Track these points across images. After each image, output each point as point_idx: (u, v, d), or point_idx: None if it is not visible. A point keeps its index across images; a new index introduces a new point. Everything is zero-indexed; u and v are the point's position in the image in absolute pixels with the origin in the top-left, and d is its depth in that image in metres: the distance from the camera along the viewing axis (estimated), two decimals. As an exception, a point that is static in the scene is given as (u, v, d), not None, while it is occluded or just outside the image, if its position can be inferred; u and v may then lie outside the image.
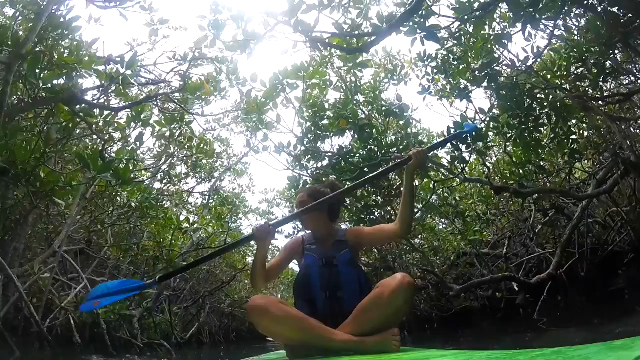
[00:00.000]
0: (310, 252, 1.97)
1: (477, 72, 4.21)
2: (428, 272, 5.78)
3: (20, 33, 4.02)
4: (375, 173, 2.24)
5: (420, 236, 8.15)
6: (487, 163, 5.02)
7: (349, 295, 1.82)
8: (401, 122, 5.02)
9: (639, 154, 4.92)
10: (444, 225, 8.15)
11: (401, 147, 5.37)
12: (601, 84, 4.80)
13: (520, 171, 4.92)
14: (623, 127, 5.24)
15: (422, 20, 3.42)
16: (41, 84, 3.24)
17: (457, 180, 5.08)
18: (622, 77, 4.99)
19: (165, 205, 6.53)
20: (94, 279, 4.74)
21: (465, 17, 3.60)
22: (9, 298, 2.82)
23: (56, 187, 3.63)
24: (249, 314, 1.68)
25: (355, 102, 5.46)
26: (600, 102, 4.87)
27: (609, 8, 3.59)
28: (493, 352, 1.10)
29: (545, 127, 4.91)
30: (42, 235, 4.77)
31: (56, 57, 3.17)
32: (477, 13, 3.45)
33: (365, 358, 1.45)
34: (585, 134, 5.35)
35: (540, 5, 3.53)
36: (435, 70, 5.01)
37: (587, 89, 4.90)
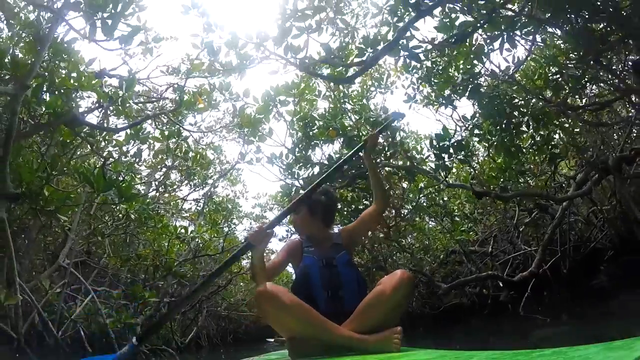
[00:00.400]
0: (309, 253, 2.01)
1: (458, 87, 4.48)
2: (416, 271, 6.06)
3: (19, 54, 4.20)
4: (339, 162, 2.29)
5: (410, 236, 8.46)
6: (472, 166, 5.31)
7: (349, 294, 1.87)
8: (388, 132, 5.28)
9: (615, 157, 5.23)
10: (434, 224, 8.45)
11: (388, 153, 5.65)
12: (580, 91, 5.12)
13: (502, 176, 5.23)
14: (603, 130, 5.57)
15: (405, 41, 3.67)
16: (44, 109, 3.44)
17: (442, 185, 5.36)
18: (601, 84, 5.29)
19: (161, 213, 6.72)
20: (95, 288, 4.94)
21: (446, 42, 3.85)
22: (26, 314, 3.02)
23: (60, 205, 3.85)
24: (258, 300, 1.67)
25: (343, 111, 5.71)
26: (579, 110, 5.15)
27: (586, 23, 3.83)
28: (493, 352, 1.11)
29: (525, 134, 5.18)
30: (41, 247, 4.95)
31: (57, 80, 3.36)
32: (455, 39, 3.69)
33: (366, 358, 1.47)
34: (565, 138, 5.65)
35: (518, 25, 3.81)
36: (420, 80, 5.28)
37: (566, 96, 5.18)
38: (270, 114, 4.61)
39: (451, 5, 3.65)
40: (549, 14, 3.64)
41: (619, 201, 5.60)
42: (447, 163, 4.71)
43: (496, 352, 1.11)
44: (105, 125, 3.93)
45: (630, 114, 5.33)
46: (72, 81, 3.28)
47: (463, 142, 4.66)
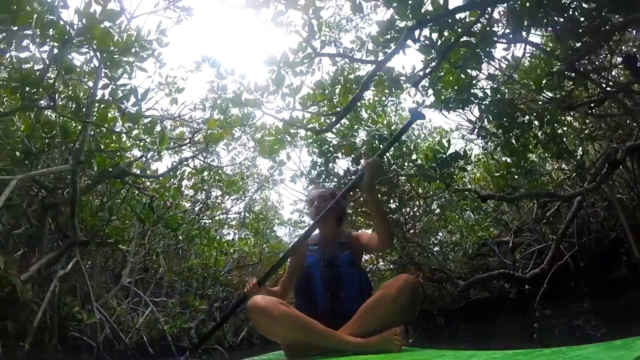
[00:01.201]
0: (313, 252, 2.05)
1: (450, 103, 4.88)
2: (436, 270, 6.54)
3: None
4: (336, 198, 2.18)
5: (441, 231, 8.87)
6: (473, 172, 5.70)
7: (350, 295, 1.89)
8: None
9: (625, 148, 5.36)
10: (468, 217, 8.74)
11: (399, 161, 6.14)
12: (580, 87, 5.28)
13: (509, 176, 5.53)
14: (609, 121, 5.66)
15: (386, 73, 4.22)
16: (95, 169, 4.43)
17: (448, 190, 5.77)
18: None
19: (207, 227, 7.74)
20: (154, 299, 6.03)
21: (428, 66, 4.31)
22: (100, 326, 4.03)
23: (119, 239, 4.91)
24: (250, 314, 1.73)
25: (359, 122, 6.25)
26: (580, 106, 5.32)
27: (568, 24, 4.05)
28: (493, 352, 1.12)
29: (529, 132, 5.42)
30: (106, 270, 6.07)
31: (102, 146, 4.31)
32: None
33: (366, 358, 1.49)
34: (572, 133, 5.81)
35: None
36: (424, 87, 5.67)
37: (566, 93, 5.33)
38: (284, 144, 5.33)
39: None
40: (526, 23, 3.92)
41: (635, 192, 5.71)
42: (448, 172, 5.14)
43: (496, 352, 1.11)
44: (148, 172, 4.89)
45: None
46: (115, 144, 4.22)
47: (461, 152, 5.08)
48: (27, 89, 3.03)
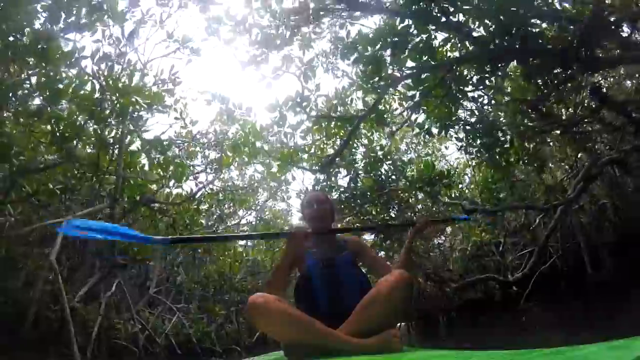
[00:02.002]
0: (312, 254, 2.09)
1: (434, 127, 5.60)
2: (430, 273, 7.29)
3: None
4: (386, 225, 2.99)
5: (440, 236, 9.58)
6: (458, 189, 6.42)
7: (350, 294, 1.91)
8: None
9: (602, 161, 6.00)
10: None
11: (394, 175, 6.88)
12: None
13: (494, 190, 6.25)
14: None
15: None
16: (126, 199, 5.31)
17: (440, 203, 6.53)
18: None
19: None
20: (176, 306, 6.94)
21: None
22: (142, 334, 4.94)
23: (147, 255, 5.81)
24: (248, 312, 1.77)
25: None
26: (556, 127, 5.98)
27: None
28: (493, 352, 1.14)
29: (511, 150, 6.10)
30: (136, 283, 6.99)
31: (132, 182, 5.19)
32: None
33: (366, 358, 1.52)
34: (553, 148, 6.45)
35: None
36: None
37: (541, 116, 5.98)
38: (289, 168, 6.12)
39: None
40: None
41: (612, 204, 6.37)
42: (434, 190, 5.89)
43: (496, 352, 1.13)
44: (170, 199, 5.76)
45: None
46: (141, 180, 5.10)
47: (444, 172, 5.81)
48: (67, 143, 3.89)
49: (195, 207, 6.24)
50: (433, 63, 3.98)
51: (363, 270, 2.18)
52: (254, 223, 9.95)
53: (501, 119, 6.18)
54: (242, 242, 10.34)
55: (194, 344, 5.93)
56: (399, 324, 2.37)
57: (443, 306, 8.00)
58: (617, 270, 6.47)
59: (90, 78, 4.15)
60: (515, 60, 4.27)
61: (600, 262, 6.75)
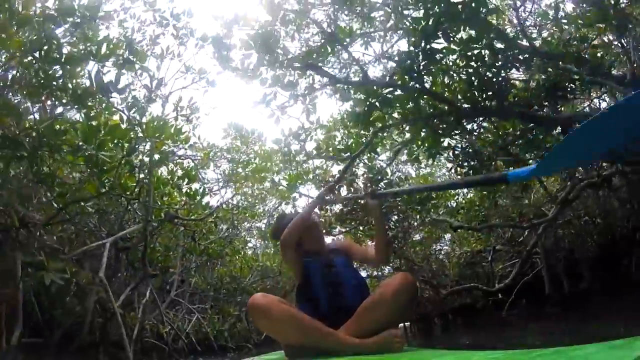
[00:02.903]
0: (310, 261, 2.17)
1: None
2: (425, 279, 8.19)
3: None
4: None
5: (439, 242, 10.46)
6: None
7: (350, 292, 2.02)
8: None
9: (581, 185, 6.78)
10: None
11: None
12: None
13: (480, 208, 7.09)
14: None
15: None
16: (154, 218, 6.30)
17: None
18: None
19: (234, 243, 9.62)
20: (193, 306, 7.97)
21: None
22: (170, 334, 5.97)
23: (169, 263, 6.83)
24: (250, 313, 1.82)
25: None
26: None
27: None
28: (493, 352, 1.18)
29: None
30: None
31: (159, 203, 6.16)
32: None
33: (366, 358, 1.56)
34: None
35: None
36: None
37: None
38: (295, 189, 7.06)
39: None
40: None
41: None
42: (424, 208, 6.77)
43: (496, 352, 1.17)
44: (191, 215, 6.74)
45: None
46: (167, 200, 6.08)
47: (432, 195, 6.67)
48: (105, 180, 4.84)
49: (213, 221, 7.22)
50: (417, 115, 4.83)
51: (358, 272, 2.31)
52: (263, 228, 10.95)
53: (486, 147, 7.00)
54: (250, 245, 11.41)
55: (211, 340, 6.94)
56: (400, 325, 2.33)
57: (439, 309, 8.90)
58: (595, 281, 7.29)
59: (125, 118, 5.11)
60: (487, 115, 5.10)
61: (579, 274, 7.58)
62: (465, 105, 4.50)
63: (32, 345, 3.71)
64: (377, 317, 1.77)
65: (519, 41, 4.70)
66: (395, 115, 4.97)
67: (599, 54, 4.88)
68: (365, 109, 4.43)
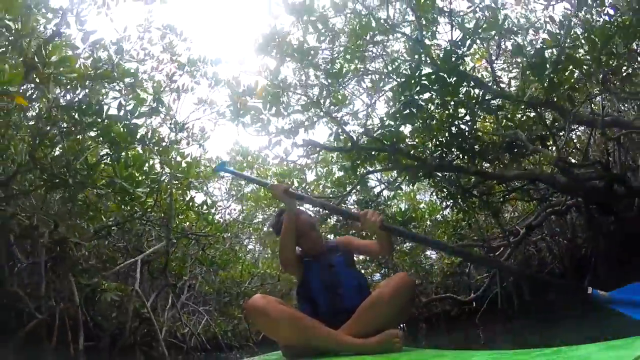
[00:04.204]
0: (310, 261, 2.29)
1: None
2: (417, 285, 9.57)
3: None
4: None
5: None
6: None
7: (349, 292, 2.11)
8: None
9: (542, 215, 8.10)
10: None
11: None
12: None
13: (457, 229, 8.42)
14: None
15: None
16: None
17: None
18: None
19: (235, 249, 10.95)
20: (200, 308, 9.32)
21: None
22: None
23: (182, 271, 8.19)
24: (249, 314, 1.93)
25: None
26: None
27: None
28: (493, 352, 1.24)
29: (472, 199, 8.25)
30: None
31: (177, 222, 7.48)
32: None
33: (366, 358, 1.64)
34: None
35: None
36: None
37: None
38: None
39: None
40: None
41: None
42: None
43: (496, 352, 1.23)
44: (203, 230, 8.06)
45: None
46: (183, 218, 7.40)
47: (412, 216, 7.99)
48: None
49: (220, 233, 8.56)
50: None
51: (359, 270, 2.37)
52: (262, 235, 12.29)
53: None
54: (250, 248, 12.76)
55: (218, 339, 8.32)
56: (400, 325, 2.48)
57: (425, 314, 10.30)
58: (558, 296, 8.64)
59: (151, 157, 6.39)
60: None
61: (544, 289, 8.93)
62: (436, 157, 5.77)
63: (89, 348, 5.01)
64: (377, 317, 1.84)
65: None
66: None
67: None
68: (353, 163, 5.71)
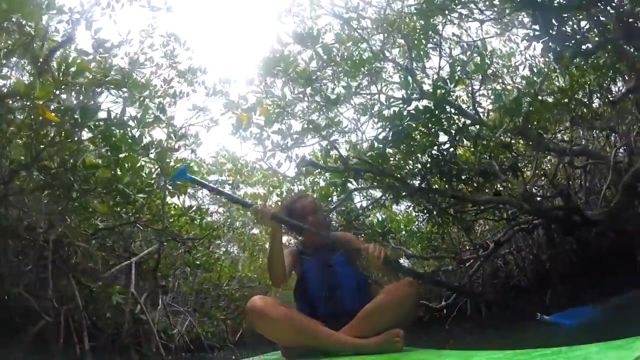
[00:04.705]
0: (308, 259, 2.33)
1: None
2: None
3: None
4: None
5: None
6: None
7: (348, 293, 2.16)
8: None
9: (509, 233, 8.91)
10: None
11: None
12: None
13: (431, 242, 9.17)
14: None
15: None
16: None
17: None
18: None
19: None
20: (182, 309, 9.68)
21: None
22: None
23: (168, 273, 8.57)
24: (248, 315, 1.95)
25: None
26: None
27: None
28: (493, 352, 1.28)
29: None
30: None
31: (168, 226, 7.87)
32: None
33: (366, 358, 1.69)
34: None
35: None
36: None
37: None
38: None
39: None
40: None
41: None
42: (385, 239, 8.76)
43: (496, 352, 1.26)
44: (190, 233, 8.45)
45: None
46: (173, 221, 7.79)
47: (391, 229, 8.66)
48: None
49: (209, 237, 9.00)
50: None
51: (360, 268, 2.33)
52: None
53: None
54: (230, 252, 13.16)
55: (200, 340, 8.73)
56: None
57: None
58: (520, 306, 9.50)
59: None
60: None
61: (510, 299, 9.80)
62: (417, 179, 6.44)
63: (92, 349, 5.36)
64: (380, 321, 1.87)
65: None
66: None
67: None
68: (341, 180, 6.30)
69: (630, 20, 3.61)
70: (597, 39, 4.05)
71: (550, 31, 3.54)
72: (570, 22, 3.87)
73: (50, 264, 5.21)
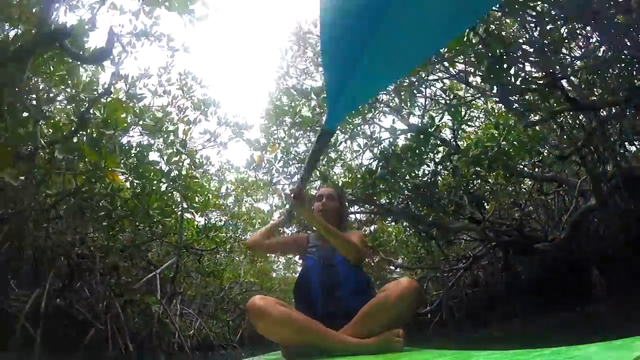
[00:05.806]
0: (312, 254, 2.36)
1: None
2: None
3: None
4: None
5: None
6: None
7: (347, 294, 2.15)
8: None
9: (487, 248, 10.36)
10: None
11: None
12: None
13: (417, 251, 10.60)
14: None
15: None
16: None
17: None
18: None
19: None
20: (189, 311, 11.07)
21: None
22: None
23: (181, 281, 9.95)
24: (248, 314, 1.95)
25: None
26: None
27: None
28: (493, 352, 1.26)
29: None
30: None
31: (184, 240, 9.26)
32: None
33: (366, 358, 1.68)
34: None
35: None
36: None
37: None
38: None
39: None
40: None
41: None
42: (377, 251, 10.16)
43: (496, 352, 1.25)
44: (202, 245, 9.81)
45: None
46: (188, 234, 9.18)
47: (381, 242, 10.06)
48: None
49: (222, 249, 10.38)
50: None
51: (361, 268, 2.35)
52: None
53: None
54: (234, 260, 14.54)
55: (208, 340, 10.15)
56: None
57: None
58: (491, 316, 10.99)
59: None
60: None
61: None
62: (401, 207, 7.83)
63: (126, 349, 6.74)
64: (380, 320, 1.90)
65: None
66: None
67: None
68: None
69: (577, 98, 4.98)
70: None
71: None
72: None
73: (99, 279, 6.56)
